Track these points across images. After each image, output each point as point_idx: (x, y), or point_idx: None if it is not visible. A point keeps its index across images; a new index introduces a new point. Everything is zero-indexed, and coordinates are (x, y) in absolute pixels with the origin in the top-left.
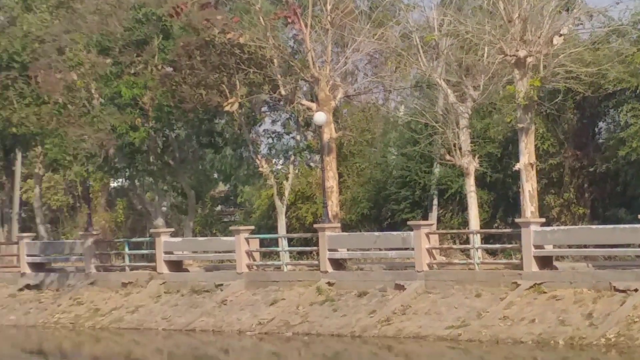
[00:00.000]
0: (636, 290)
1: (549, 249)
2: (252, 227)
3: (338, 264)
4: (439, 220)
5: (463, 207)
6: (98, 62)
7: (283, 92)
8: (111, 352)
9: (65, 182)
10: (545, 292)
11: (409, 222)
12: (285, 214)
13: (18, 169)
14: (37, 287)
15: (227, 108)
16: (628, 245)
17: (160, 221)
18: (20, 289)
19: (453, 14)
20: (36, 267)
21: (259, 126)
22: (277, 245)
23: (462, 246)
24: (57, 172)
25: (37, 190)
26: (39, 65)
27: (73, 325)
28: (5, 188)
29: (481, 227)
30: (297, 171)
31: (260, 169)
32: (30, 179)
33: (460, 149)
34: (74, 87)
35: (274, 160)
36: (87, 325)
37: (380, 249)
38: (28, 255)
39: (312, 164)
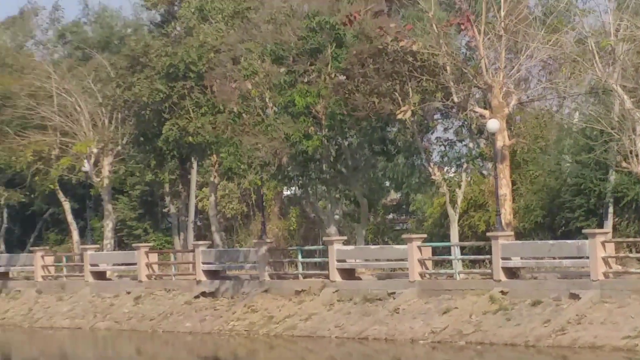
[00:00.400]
0: None
1: None
2: (425, 235)
3: (511, 272)
4: (614, 229)
5: None
6: (272, 71)
7: (456, 100)
8: (284, 359)
9: (240, 190)
10: None
11: (584, 231)
12: (458, 222)
13: (194, 177)
14: (213, 294)
15: (399, 116)
16: None
17: (332, 229)
18: (196, 297)
19: (630, 19)
20: (211, 274)
21: (431, 134)
22: (449, 253)
23: (639, 255)
24: (231, 181)
25: (213, 199)
26: (214, 75)
27: (247, 332)
28: (181, 196)
29: None
30: (469, 179)
31: (433, 177)
32: (206, 187)
33: (637, 155)
34: (249, 96)
35: (446, 168)
36: (261, 332)
37: (554, 258)
38: (204, 263)
39: (484, 172)
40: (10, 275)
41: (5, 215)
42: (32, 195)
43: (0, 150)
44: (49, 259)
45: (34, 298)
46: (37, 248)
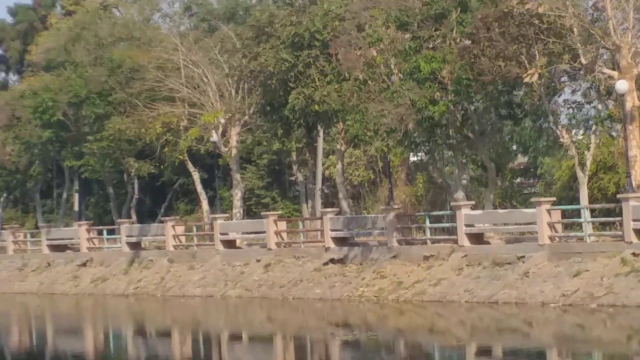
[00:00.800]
0: None
1: None
2: (554, 199)
3: None
4: None
5: None
6: (397, 38)
7: (583, 61)
8: (415, 325)
9: (366, 157)
10: None
11: None
12: (587, 185)
13: (320, 145)
14: (341, 261)
15: (526, 79)
16: None
17: (460, 194)
18: (325, 263)
19: None
20: (340, 241)
21: (559, 96)
22: (579, 216)
23: None
24: (358, 148)
25: (339, 166)
26: (339, 43)
27: (377, 298)
28: (308, 164)
29: None
30: (598, 141)
31: (561, 140)
32: (332, 155)
33: None
34: (374, 63)
35: (574, 131)
36: (390, 298)
37: None
38: (332, 230)
39: (614, 133)
40: (143, 245)
41: (136, 186)
42: (162, 166)
43: (130, 122)
44: (180, 229)
45: (166, 267)
46: (167, 218)
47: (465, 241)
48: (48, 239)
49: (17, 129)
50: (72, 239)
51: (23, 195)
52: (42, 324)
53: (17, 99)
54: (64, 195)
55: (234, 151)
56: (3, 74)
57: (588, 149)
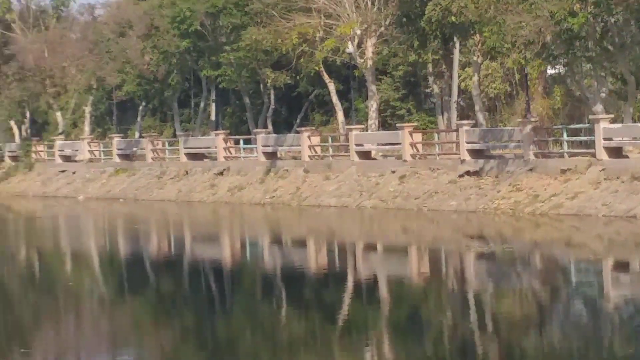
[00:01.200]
0: None
1: None
2: None
3: None
4: None
5: None
6: None
7: None
8: (551, 238)
9: (503, 69)
10: None
11: None
12: None
13: (456, 57)
14: (477, 173)
15: None
16: None
17: (599, 107)
18: (460, 176)
19: None
20: (475, 154)
21: None
22: None
23: None
24: (494, 60)
25: (476, 79)
26: None
27: (512, 211)
28: (444, 77)
29: None
30: None
31: None
32: (469, 67)
33: None
34: None
35: None
36: (526, 211)
37: None
38: (467, 143)
39: None
40: (279, 155)
41: (272, 96)
42: (298, 77)
43: (267, 33)
44: (315, 139)
45: (302, 177)
46: (303, 128)
47: (603, 155)
48: (186, 148)
49: (156, 38)
50: (209, 148)
51: (161, 104)
52: (181, 231)
53: (156, 8)
54: (202, 104)
55: (369, 62)
56: None
57: None
